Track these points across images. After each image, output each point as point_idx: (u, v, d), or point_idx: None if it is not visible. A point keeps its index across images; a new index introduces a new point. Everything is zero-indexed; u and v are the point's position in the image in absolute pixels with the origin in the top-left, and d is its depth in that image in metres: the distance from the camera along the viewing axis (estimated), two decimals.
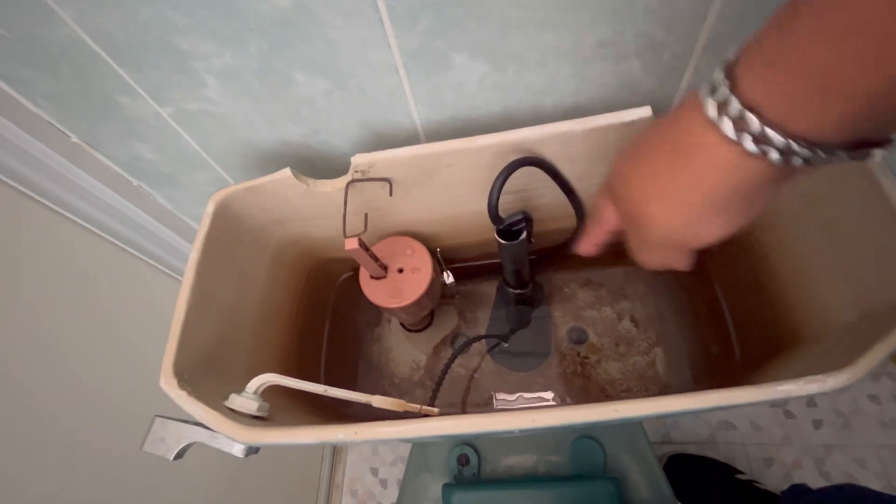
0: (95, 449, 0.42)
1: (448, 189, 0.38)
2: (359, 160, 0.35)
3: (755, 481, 0.76)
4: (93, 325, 0.44)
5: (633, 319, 0.52)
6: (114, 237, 0.46)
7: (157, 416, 0.31)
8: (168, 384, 0.30)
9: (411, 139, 0.39)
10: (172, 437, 0.30)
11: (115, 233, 0.46)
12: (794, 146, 0.16)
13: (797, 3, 0.15)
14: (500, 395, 0.51)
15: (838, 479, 0.79)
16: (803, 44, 0.15)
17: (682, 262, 0.24)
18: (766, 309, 0.39)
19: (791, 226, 0.35)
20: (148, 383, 0.32)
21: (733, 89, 0.17)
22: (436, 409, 0.36)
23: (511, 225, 0.36)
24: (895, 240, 0.26)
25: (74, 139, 0.39)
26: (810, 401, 0.85)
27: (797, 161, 0.17)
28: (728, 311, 0.46)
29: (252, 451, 0.30)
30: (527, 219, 0.37)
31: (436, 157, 0.35)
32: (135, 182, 0.45)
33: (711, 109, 0.18)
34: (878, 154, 0.17)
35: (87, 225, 0.43)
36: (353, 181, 0.36)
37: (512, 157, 0.34)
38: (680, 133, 0.20)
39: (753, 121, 0.17)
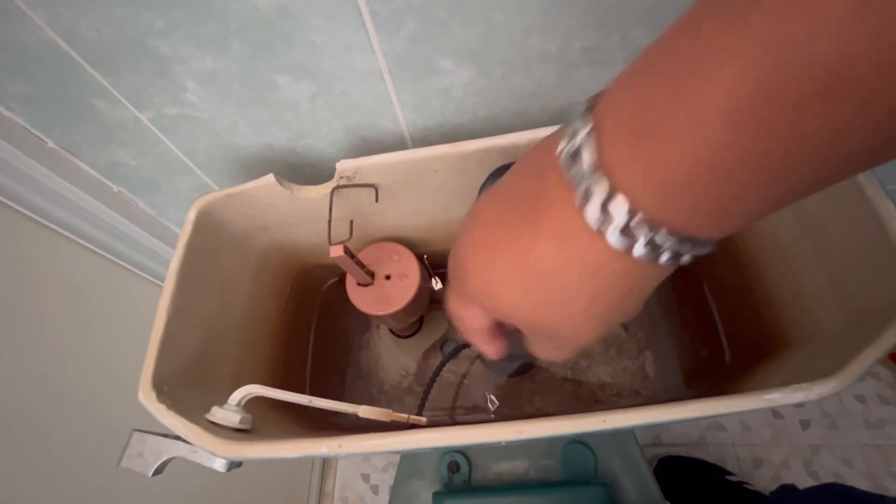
0: (72, 463, 0.40)
1: (435, 194, 0.38)
2: (344, 166, 0.34)
3: (745, 482, 0.76)
4: (72, 335, 0.43)
5: (622, 324, 0.52)
6: (94, 245, 0.44)
7: (134, 430, 0.30)
8: (146, 397, 0.29)
9: (398, 144, 0.38)
10: (151, 451, 0.29)
11: (95, 240, 0.45)
12: (683, 245, 0.14)
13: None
14: (493, 397, 0.50)
15: (826, 478, 0.79)
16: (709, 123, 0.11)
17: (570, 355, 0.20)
18: (754, 312, 0.39)
19: (777, 231, 0.35)
20: (129, 395, 0.31)
21: (614, 189, 0.13)
22: (424, 419, 0.35)
23: None
24: (878, 245, 0.26)
25: (51, 144, 0.38)
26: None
27: (684, 258, 0.14)
28: (717, 315, 0.46)
29: (234, 465, 0.29)
30: None
31: (422, 163, 0.34)
32: (115, 188, 0.44)
33: (591, 216, 0.14)
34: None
35: (65, 233, 0.42)
36: (338, 187, 0.36)
37: (499, 162, 0.34)
38: (548, 223, 0.16)
39: (642, 229, 0.13)
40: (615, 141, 0.13)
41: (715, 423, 0.85)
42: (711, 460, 0.81)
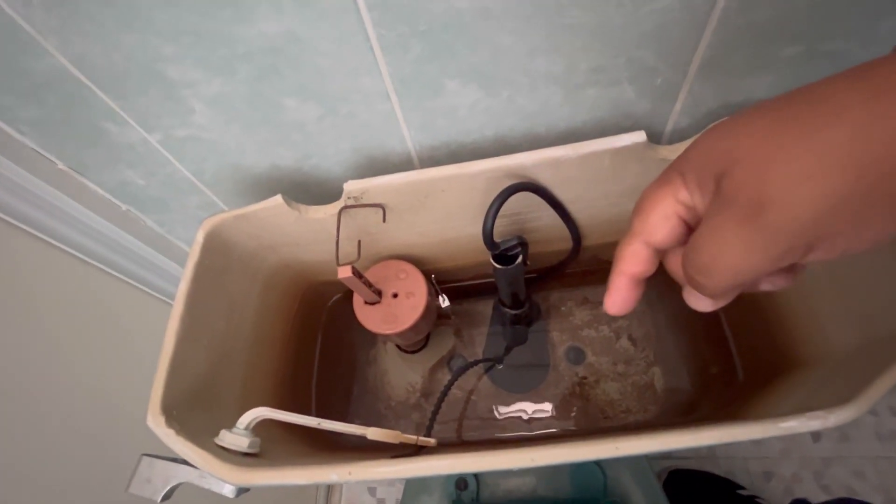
0: (76, 490, 0.40)
1: (442, 214, 0.38)
2: (351, 187, 0.34)
3: (757, 497, 0.75)
4: (79, 353, 0.43)
5: (630, 338, 0.52)
6: (102, 263, 0.45)
7: (143, 455, 0.30)
8: (155, 422, 0.29)
9: (405, 163, 0.38)
10: (160, 477, 0.29)
11: (104, 258, 0.45)
12: None
13: None
14: (501, 408, 0.50)
15: (837, 492, 0.78)
16: None
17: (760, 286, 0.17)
18: (767, 330, 0.39)
19: None
20: (137, 417, 0.31)
21: None
22: (433, 441, 0.35)
23: (506, 250, 0.36)
24: (892, 268, 0.26)
25: (61, 166, 0.39)
26: None
27: None
28: (729, 331, 0.45)
29: (243, 490, 0.29)
30: (522, 243, 0.37)
31: (429, 183, 0.34)
32: (123, 207, 0.44)
33: None
34: None
35: (74, 252, 0.42)
36: (345, 207, 0.36)
37: (506, 183, 0.33)
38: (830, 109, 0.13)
39: None
40: None
41: None
42: (721, 473, 0.80)
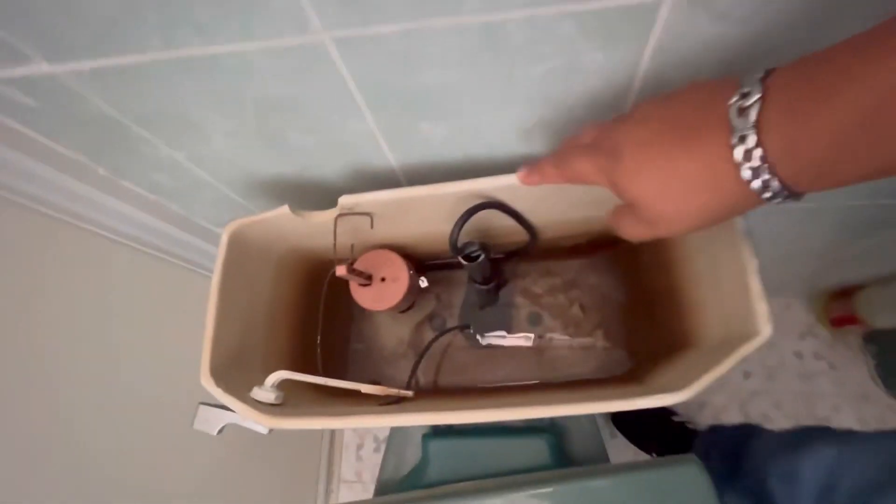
0: (154, 426, 0.53)
1: (420, 218, 0.46)
2: (345, 201, 0.42)
3: (688, 421, 0.91)
4: (133, 325, 0.53)
5: (581, 306, 0.62)
6: (138, 244, 0.54)
7: (200, 403, 0.41)
8: (207, 382, 0.40)
9: (390, 177, 0.46)
10: (213, 418, 0.41)
11: (139, 239, 0.54)
12: (783, 191, 0.21)
13: (831, 58, 0.18)
14: (490, 334, 0.61)
15: (756, 419, 0.94)
16: (837, 120, 0.17)
17: (635, 235, 0.29)
18: (678, 313, 0.49)
19: (695, 260, 0.44)
20: (186, 373, 0.42)
21: (760, 143, 0.20)
22: (410, 393, 0.46)
23: (469, 252, 0.45)
24: (743, 283, 0.35)
25: (102, 172, 0.46)
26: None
27: (776, 200, 0.21)
28: (656, 309, 0.56)
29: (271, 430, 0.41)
30: (483, 246, 0.46)
31: (408, 200, 0.42)
32: (153, 197, 0.52)
33: (738, 153, 0.20)
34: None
35: (116, 237, 0.51)
36: (340, 215, 0.44)
37: (472, 199, 0.41)
38: (700, 149, 0.22)
39: (766, 173, 0.20)
40: (772, 110, 0.19)
41: None
42: None
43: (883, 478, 0.41)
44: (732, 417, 0.94)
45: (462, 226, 0.41)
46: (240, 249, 0.45)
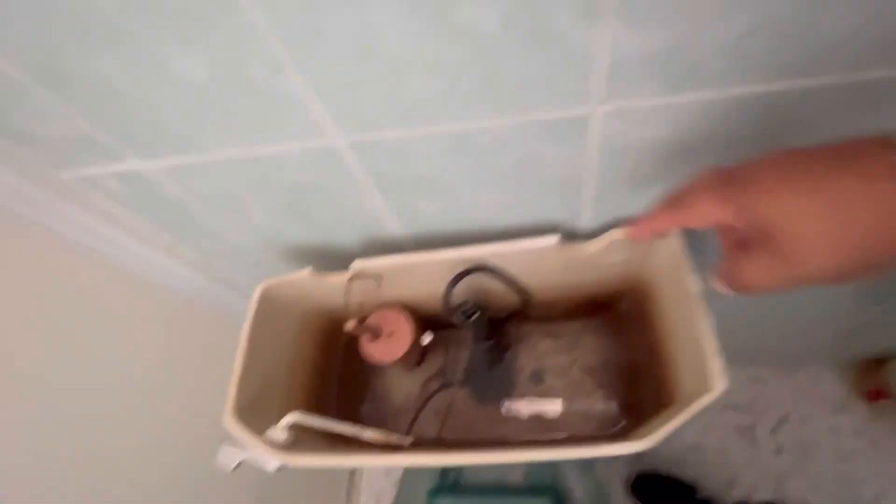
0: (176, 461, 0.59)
1: (422, 280, 0.52)
2: (357, 265, 0.50)
3: (713, 499, 0.86)
4: (159, 366, 0.61)
5: (582, 367, 0.65)
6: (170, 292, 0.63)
7: (222, 444, 0.47)
8: (230, 424, 0.46)
9: (397, 242, 0.53)
10: (231, 456, 0.46)
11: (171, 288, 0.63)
12: None
13: None
14: (510, 403, 0.64)
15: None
16: None
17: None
18: (666, 374, 0.51)
19: (664, 302, 0.47)
20: (209, 409, 0.48)
21: None
22: (409, 439, 0.50)
23: (465, 311, 0.51)
24: (698, 341, 0.38)
25: (166, 239, 0.56)
26: (775, 428, 0.94)
27: None
28: (647, 366, 0.58)
29: (280, 468, 0.46)
30: (479, 306, 0.51)
31: (409, 265, 0.49)
32: (205, 261, 0.62)
33: None
34: None
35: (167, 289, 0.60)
36: (352, 278, 0.51)
37: (463, 266, 0.48)
38: (856, 165, 0.19)
39: None
40: None
41: (693, 445, 0.95)
42: (689, 477, 0.91)
43: None
44: (765, 497, 0.88)
45: (453, 287, 0.47)
46: (268, 305, 0.53)
